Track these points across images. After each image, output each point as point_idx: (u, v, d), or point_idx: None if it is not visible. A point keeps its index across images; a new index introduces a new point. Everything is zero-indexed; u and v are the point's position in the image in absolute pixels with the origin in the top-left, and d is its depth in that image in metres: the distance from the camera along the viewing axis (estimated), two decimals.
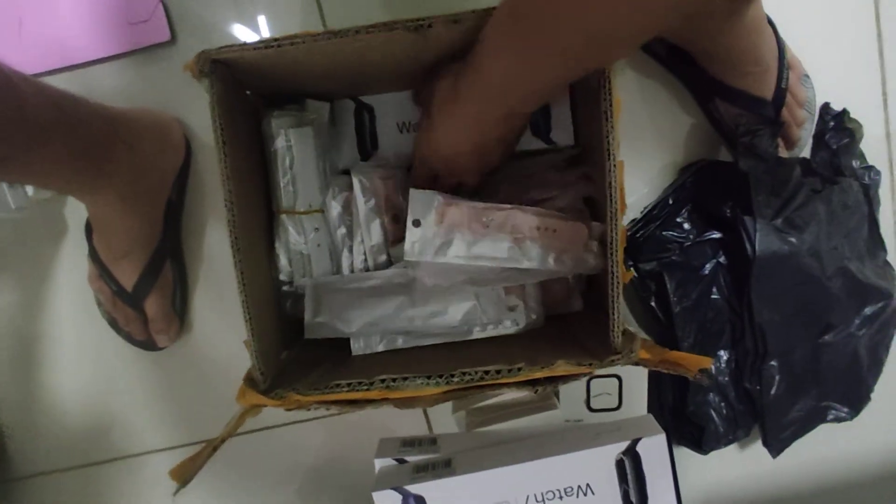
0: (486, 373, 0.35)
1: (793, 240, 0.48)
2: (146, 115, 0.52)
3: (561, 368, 0.35)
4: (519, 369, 0.35)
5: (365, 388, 0.35)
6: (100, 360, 0.61)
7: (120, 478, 0.64)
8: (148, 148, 0.51)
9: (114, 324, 0.58)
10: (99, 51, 0.54)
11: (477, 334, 0.45)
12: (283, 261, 0.46)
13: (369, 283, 0.44)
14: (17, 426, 0.62)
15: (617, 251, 0.35)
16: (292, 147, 0.44)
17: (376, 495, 0.37)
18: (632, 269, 0.53)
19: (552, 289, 0.48)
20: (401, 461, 0.39)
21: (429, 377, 0.35)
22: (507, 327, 0.45)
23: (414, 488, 0.36)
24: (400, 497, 0.36)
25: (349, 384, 0.35)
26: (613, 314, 0.35)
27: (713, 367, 0.53)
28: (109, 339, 0.59)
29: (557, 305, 0.49)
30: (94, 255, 0.54)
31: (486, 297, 0.44)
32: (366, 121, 0.49)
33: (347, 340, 0.46)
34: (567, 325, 0.48)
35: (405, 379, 0.35)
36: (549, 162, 0.48)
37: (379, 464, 0.39)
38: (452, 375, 0.35)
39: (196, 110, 0.56)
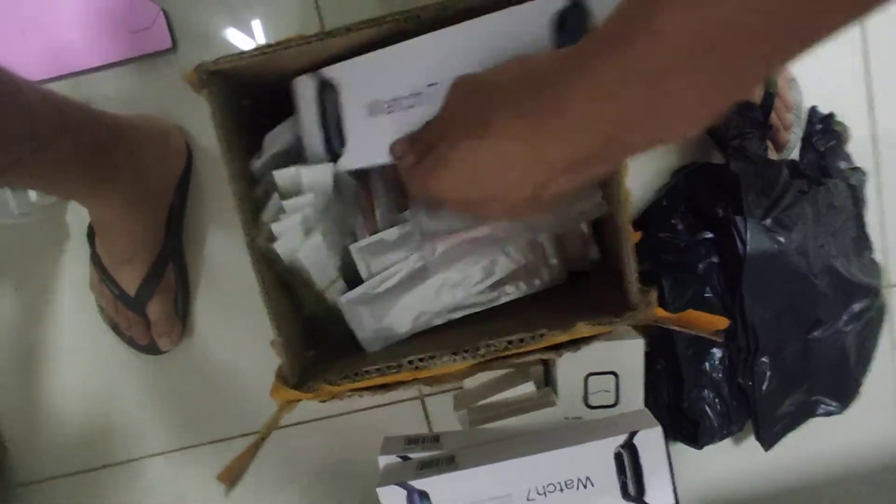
0: (510, 342, 0.36)
1: (781, 239, 0.50)
2: (147, 122, 0.53)
3: (582, 330, 0.36)
4: (541, 335, 0.36)
5: (394, 371, 0.37)
6: (101, 365, 0.61)
7: (122, 482, 0.64)
8: (150, 154, 0.51)
9: (116, 328, 0.59)
10: (101, 58, 0.55)
11: (505, 297, 0.46)
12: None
13: (397, 278, 0.44)
14: (18, 432, 0.63)
15: (624, 207, 0.36)
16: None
17: (381, 491, 0.37)
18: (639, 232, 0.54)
19: (568, 241, 0.49)
20: (405, 458, 0.40)
21: (455, 353, 0.37)
22: (534, 285, 0.46)
23: (418, 484, 0.37)
24: (405, 493, 0.37)
25: (378, 369, 0.37)
26: (627, 269, 0.36)
27: (707, 365, 0.55)
28: (110, 344, 0.60)
29: (577, 258, 0.49)
30: (96, 259, 0.55)
31: (510, 254, 0.45)
32: (327, 103, 0.40)
33: None
34: (582, 287, 0.49)
35: (432, 357, 0.37)
36: None
37: (383, 461, 0.40)
38: (478, 348, 0.36)
39: (197, 117, 0.57)
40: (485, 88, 0.29)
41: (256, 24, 0.56)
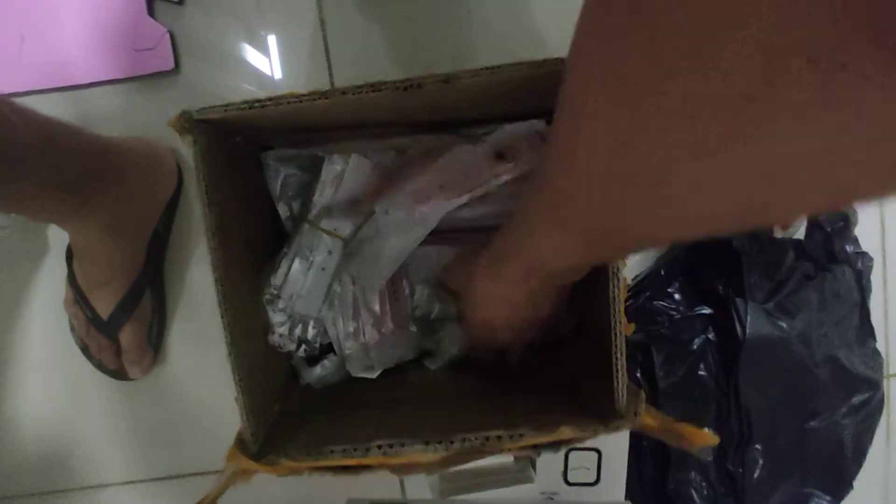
0: (487, 438, 0.34)
1: (783, 325, 0.48)
2: (139, 145, 0.51)
3: (564, 434, 0.33)
4: (521, 435, 0.33)
5: (360, 454, 0.34)
6: (68, 386, 0.59)
7: None
8: (138, 179, 0.50)
9: (86, 350, 0.56)
10: (101, 73, 0.53)
11: None
12: (281, 270, 0.43)
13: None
14: None
15: (619, 307, 0.34)
16: (346, 171, 0.43)
17: None
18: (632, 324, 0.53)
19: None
20: None
21: (427, 442, 0.34)
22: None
23: None
24: None
25: (344, 450, 0.34)
26: (617, 375, 0.34)
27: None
28: (80, 365, 0.57)
29: (551, 328, 0.48)
30: (72, 280, 0.53)
31: None
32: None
33: (340, 387, 0.45)
34: (560, 366, 0.47)
35: (402, 444, 0.34)
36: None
37: None
38: (451, 441, 0.34)
39: None
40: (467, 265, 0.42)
41: (264, 49, 0.55)
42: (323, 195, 0.43)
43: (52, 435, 0.60)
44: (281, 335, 0.42)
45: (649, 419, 0.34)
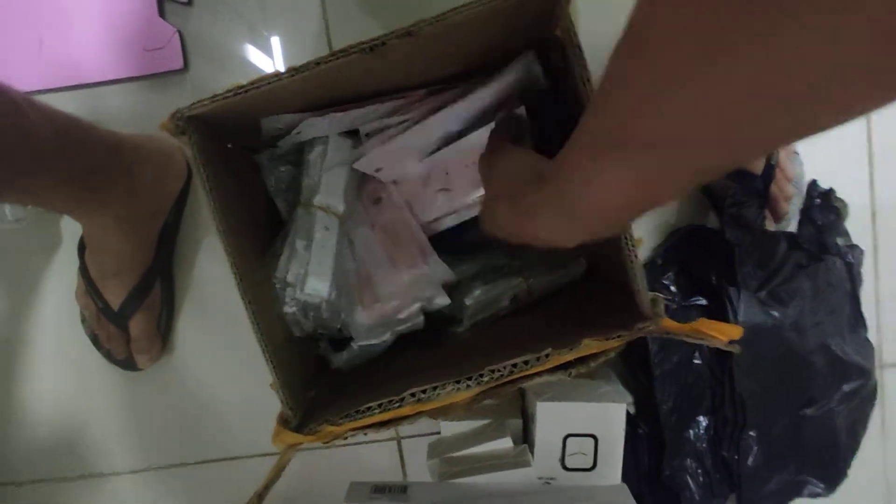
0: (515, 366, 0.35)
1: (776, 314, 0.49)
2: (150, 142, 0.53)
3: (590, 346, 0.34)
4: (547, 356, 0.34)
5: (397, 405, 0.35)
6: (78, 375, 0.60)
7: (82, 497, 0.62)
8: (149, 174, 0.51)
9: (95, 340, 0.58)
10: (113, 72, 0.55)
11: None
12: (283, 256, 0.44)
13: None
14: None
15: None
16: (328, 150, 0.44)
17: None
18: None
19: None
20: None
21: (458, 381, 0.35)
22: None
23: None
24: None
25: (380, 404, 0.35)
26: (636, 278, 0.35)
27: (691, 433, 0.53)
28: (90, 355, 0.59)
29: (561, 271, 0.49)
30: (84, 271, 0.55)
31: None
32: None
33: (371, 365, 0.47)
34: (572, 302, 0.48)
35: (434, 388, 0.35)
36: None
37: None
38: (481, 375, 0.35)
39: None
40: (494, 174, 0.35)
41: (269, 46, 0.57)
42: (310, 176, 0.44)
43: (61, 423, 0.62)
44: (294, 312, 0.44)
45: (670, 322, 0.35)
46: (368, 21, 0.56)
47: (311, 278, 0.42)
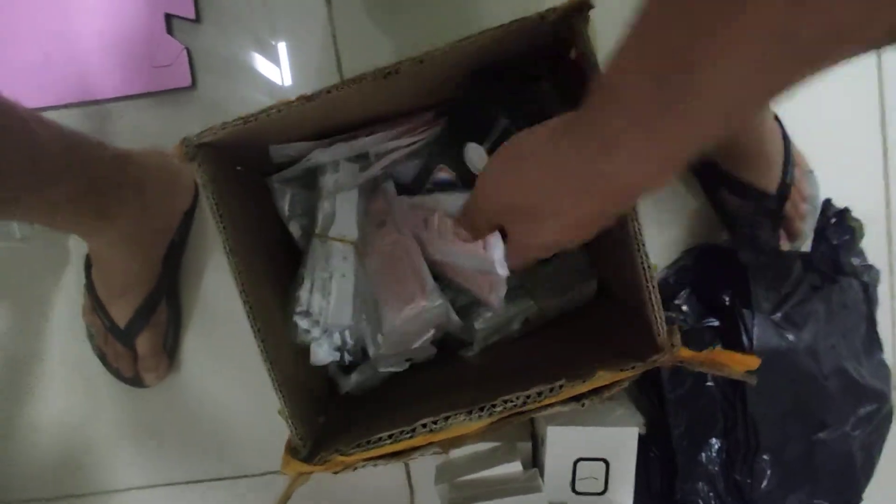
0: (528, 397, 0.34)
1: (790, 337, 0.48)
2: (158, 158, 0.53)
3: (604, 378, 0.34)
4: (561, 387, 0.34)
5: (408, 435, 0.35)
6: (86, 392, 0.60)
7: None
8: (156, 191, 0.51)
9: (103, 358, 0.58)
10: (122, 89, 0.55)
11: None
12: (305, 286, 0.44)
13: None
14: None
15: (642, 243, 0.34)
16: (339, 178, 0.44)
17: None
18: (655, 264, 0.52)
19: (564, 274, 0.48)
20: None
21: (469, 412, 0.35)
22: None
23: None
24: None
25: (391, 435, 0.35)
26: (652, 307, 0.34)
27: (703, 456, 0.52)
28: (97, 372, 0.59)
29: (572, 294, 0.49)
30: (90, 288, 0.54)
31: None
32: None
33: (381, 392, 0.46)
34: (584, 327, 0.47)
35: (447, 418, 0.35)
36: None
37: None
38: (494, 405, 0.34)
39: None
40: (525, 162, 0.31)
41: (278, 61, 0.56)
42: (324, 209, 0.44)
43: (68, 440, 0.61)
44: (317, 343, 0.43)
45: (686, 351, 0.34)
46: (376, 31, 0.55)
47: (334, 308, 0.42)
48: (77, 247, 0.58)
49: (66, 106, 0.56)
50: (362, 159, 0.45)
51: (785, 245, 0.55)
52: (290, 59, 0.56)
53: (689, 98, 0.21)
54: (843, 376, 0.50)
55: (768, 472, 0.51)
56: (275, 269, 0.44)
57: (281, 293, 0.44)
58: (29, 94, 0.55)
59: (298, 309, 0.42)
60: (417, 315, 0.42)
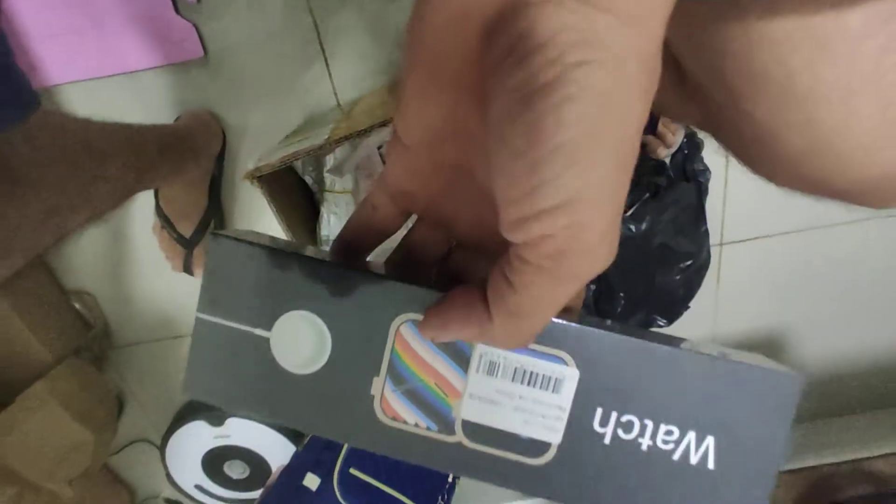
0: None
1: (633, 228, 0.75)
2: (196, 120, 0.71)
3: None
4: None
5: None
6: (160, 267, 0.86)
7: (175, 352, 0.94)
8: (202, 145, 0.71)
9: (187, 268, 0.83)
10: (149, 62, 0.70)
11: None
12: (324, 220, 0.69)
13: None
14: (112, 307, 0.89)
15: None
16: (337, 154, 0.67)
17: None
18: None
19: None
20: None
21: None
22: None
23: None
24: None
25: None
26: None
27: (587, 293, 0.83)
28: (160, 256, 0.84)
29: None
30: (160, 211, 0.77)
31: None
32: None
33: None
34: None
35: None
36: None
37: None
38: None
39: (223, 104, 0.75)
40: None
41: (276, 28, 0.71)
42: (328, 173, 0.66)
43: (167, 295, 0.90)
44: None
45: None
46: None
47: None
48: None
49: (104, 77, 0.72)
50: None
51: (662, 152, 0.78)
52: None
53: None
54: (665, 248, 0.78)
55: (623, 303, 0.83)
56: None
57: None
58: (75, 69, 0.70)
59: (323, 237, 0.67)
60: None
